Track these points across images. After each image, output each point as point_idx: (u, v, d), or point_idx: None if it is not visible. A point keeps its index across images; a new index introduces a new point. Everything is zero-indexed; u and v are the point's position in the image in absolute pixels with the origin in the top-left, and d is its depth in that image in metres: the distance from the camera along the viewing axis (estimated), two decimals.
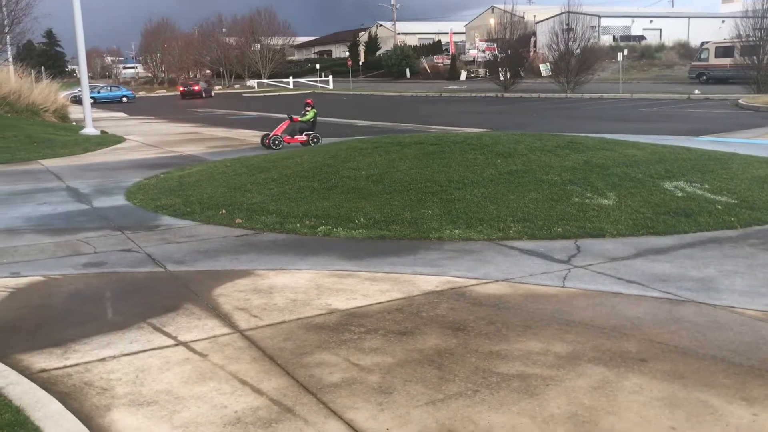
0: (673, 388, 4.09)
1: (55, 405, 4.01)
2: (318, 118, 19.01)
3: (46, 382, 4.37)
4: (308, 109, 18.63)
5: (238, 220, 8.84)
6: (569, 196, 8.94)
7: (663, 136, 17.18)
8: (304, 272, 6.70)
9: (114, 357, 4.76)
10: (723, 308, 5.45)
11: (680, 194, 9.10)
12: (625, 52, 45.52)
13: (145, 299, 6.03)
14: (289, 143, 17.84)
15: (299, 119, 18.40)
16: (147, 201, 10.56)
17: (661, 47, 65.63)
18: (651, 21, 72.52)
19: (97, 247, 7.92)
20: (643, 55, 63.60)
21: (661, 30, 71.32)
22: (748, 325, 5.09)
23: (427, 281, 6.30)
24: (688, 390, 4.07)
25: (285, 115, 19.44)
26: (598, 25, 67.45)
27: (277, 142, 17.71)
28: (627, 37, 67.94)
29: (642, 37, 68.66)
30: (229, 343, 4.97)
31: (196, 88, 58.91)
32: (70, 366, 4.63)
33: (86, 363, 4.67)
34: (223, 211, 9.31)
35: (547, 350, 4.69)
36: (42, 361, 4.72)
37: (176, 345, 4.95)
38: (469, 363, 4.51)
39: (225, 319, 5.45)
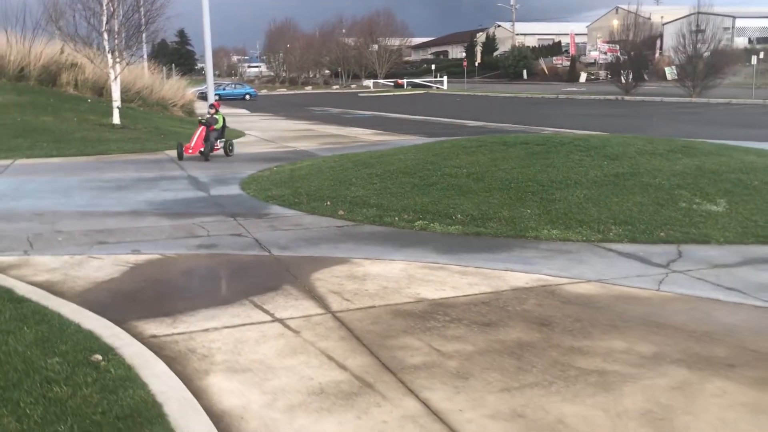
0: (759, 396, 3.99)
1: (162, 366, 4.42)
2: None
3: (155, 346, 4.82)
4: (212, 111, 16.37)
5: (341, 212, 9.19)
6: (676, 201, 8.67)
7: None
8: (397, 263, 6.92)
9: (216, 328, 5.17)
10: None
11: None
12: (761, 54, 42.67)
13: (249, 279, 6.46)
14: (199, 153, 15.72)
15: (215, 127, 16.07)
16: (259, 191, 11.16)
17: None
18: None
19: (210, 230, 8.49)
20: None
21: None
22: None
23: (518, 278, 6.36)
24: None
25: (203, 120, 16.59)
26: (732, 27, 63.83)
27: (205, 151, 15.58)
28: (765, 39, 63.77)
29: None
30: (321, 322, 5.26)
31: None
32: (178, 334, 5.08)
33: (191, 332, 5.10)
34: (328, 203, 9.70)
35: (631, 349, 4.66)
36: (153, 328, 5.19)
37: (273, 321, 5.30)
38: (548, 356, 4.57)
39: (319, 300, 5.76)
